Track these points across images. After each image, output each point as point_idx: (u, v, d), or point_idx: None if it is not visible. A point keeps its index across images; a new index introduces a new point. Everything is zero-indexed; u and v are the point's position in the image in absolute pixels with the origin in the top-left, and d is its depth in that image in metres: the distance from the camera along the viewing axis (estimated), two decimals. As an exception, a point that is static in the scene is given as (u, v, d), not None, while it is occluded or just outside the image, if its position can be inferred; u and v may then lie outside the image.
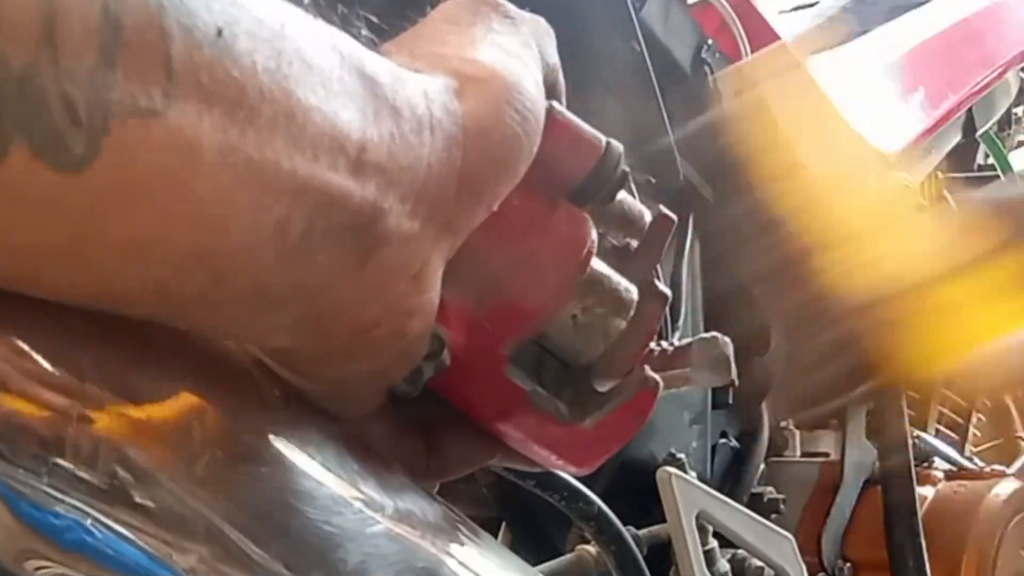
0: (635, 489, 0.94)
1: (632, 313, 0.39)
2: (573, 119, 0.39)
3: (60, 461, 0.28)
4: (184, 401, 0.31)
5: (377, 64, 0.33)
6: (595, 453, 0.40)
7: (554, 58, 0.41)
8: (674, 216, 0.43)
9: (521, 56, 0.37)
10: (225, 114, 0.28)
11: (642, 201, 0.44)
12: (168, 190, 0.27)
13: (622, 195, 0.42)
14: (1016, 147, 1.78)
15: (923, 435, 1.32)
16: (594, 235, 0.38)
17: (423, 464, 0.41)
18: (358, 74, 0.32)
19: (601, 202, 0.39)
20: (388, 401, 0.39)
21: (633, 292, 0.39)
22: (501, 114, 0.35)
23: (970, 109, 1.45)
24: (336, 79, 0.31)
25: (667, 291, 0.41)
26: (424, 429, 0.42)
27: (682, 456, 0.97)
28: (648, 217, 0.43)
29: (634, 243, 0.42)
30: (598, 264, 0.39)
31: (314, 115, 0.30)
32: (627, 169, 0.39)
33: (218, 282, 0.29)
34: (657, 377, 0.39)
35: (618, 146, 0.39)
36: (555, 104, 0.38)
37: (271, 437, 0.33)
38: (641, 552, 0.88)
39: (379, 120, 0.32)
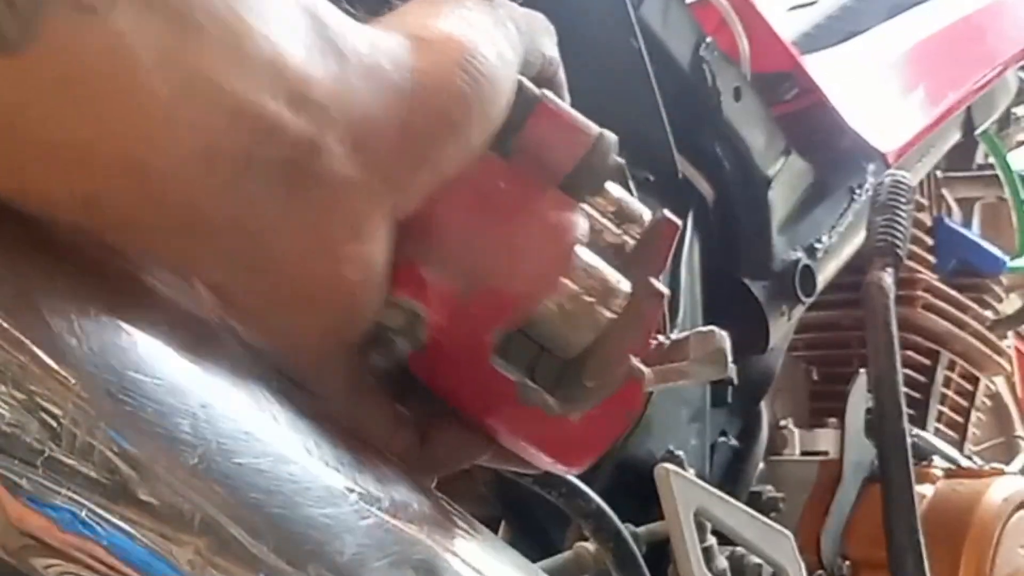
0: (633, 486, 0.94)
1: (624, 305, 0.39)
2: (565, 108, 0.39)
3: (56, 454, 0.28)
4: (181, 392, 0.31)
5: (330, 10, 0.33)
6: (586, 450, 0.40)
7: (551, 51, 0.41)
8: (678, 221, 0.43)
9: (487, 31, 0.37)
10: (168, 24, 0.28)
11: (641, 200, 0.44)
12: (102, 93, 0.27)
13: (620, 192, 0.42)
14: (1015, 147, 1.78)
15: (922, 433, 1.32)
16: (584, 225, 0.38)
17: (414, 458, 0.41)
18: (309, 14, 0.32)
19: (594, 192, 0.39)
20: (382, 393, 0.39)
21: (625, 284, 0.39)
22: (450, 74, 0.35)
23: (969, 108, 1.45)
24: (287, 13, 0.31)
25: (664, 290, 0.40)
26: (417, 424, 0.42)
27: (681, 453, 0.97)
28: (647, 216, 0.42)
29: (631, 240, 0.42)
30: (587, 254, 0.39)
31: (260, 41, 0.30)
32: (621, 161, 0.39)
33: (149, 201, 0.30)
34: (643, 367, 0.38)
35: (611, 136, 0.39)
36: (547, 93, 0.39)
37: (267, 429, 0.33)
38: (639, 549, 0.88)
39: (324, 60, 0.32)
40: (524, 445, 0.39)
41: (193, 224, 0.31)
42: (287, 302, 0.34)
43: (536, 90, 0.39)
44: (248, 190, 0.31)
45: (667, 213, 0.43)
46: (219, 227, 0.31)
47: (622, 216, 0.41)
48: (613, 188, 0.41)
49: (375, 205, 0.34)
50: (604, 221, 0.41)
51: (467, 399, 0.39)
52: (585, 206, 0.40)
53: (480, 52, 0.36)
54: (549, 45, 0.41)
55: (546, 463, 0.40)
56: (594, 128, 0.39)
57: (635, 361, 0.38)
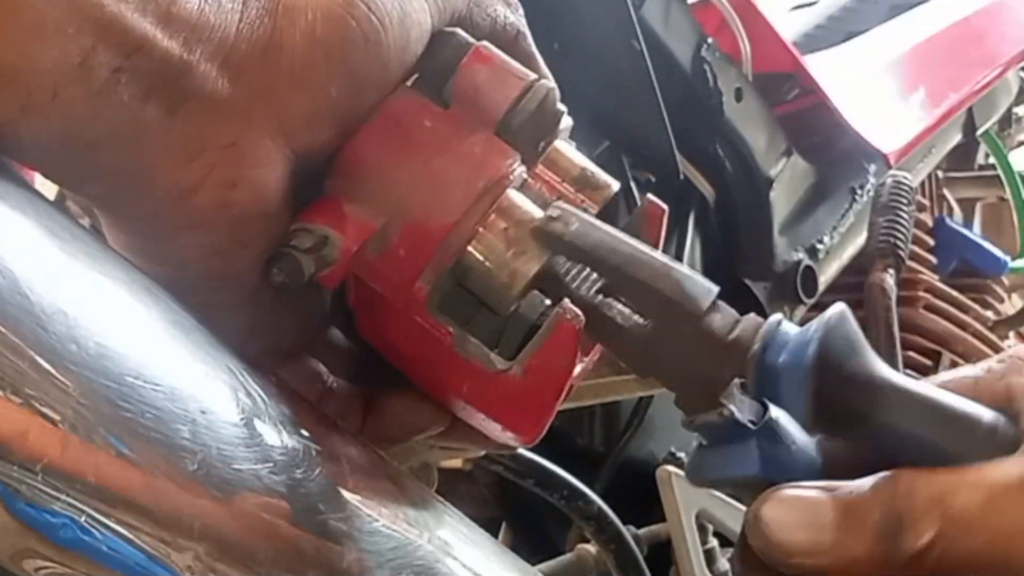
0: (635, 488, 0.94)
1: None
2: (499, 54, 0.39)
3: (55, 459, 0.28)
4: (181, 398, 0.31)
5: None
6: (532, 409, 0.38)
7: (510, 18, 0.41)
8: (664, 205, 0.43)
9: None
10: None
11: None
12: None
13: (582, 159, 0.42)
14: (1016, 147, 1.78)
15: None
16: (519, 169, 0.38)
17: (357, 425, 0.41)
18: None
19: (534, 142, 0.39)
20: (298, 346, 0.39)
21: None
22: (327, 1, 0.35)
23: (970, 108, 1.45)
24: None
25: None
26: (366, 391, 0.41)
27: (682, 455, 0.97)
28: (614, 187, 0.42)
29: (593, 207, 0.41)
30: (520, 199, 0.38)
31: None
32: (563, 110, 0.39)
33: (27, 110, 0.31)
34: (577, 310, 0.38)
35: (547, 83, 0.39)
36: (486, 43, 0.39)
37: (268, 435, 0.33)
38: (641, 551, 0.88)
39: None
40: (470, 409, 0.39)
41: (73, 136, 0.32)
42: (175, 223, 0.35)
43: (471, 39, 0.39)
44: (121, 102, 0.32)
45: (651, 197, 0.43)
46: (98, 139, 0.33)
47: (583, 182, 0.41)
48: (573, 153, 0.42)
49: (251, 126, 0.35)
50: (562, 187, 0.41)
51: (408, 355, 0.39)
52: (542, 169, 0.41)
53: None
54: (505, 12, 0.41)
55: (497, 431, 0.39)
56: (529, 74, 0.39)
57: (568, 303, 0.38)
